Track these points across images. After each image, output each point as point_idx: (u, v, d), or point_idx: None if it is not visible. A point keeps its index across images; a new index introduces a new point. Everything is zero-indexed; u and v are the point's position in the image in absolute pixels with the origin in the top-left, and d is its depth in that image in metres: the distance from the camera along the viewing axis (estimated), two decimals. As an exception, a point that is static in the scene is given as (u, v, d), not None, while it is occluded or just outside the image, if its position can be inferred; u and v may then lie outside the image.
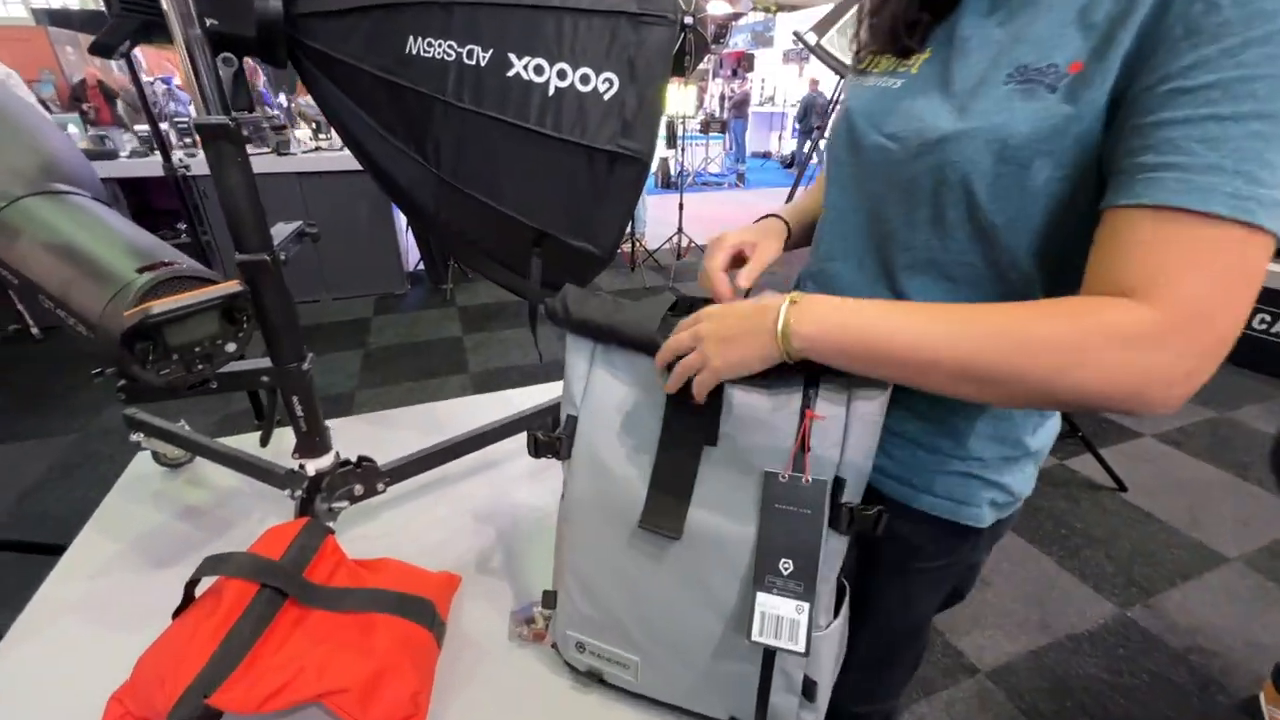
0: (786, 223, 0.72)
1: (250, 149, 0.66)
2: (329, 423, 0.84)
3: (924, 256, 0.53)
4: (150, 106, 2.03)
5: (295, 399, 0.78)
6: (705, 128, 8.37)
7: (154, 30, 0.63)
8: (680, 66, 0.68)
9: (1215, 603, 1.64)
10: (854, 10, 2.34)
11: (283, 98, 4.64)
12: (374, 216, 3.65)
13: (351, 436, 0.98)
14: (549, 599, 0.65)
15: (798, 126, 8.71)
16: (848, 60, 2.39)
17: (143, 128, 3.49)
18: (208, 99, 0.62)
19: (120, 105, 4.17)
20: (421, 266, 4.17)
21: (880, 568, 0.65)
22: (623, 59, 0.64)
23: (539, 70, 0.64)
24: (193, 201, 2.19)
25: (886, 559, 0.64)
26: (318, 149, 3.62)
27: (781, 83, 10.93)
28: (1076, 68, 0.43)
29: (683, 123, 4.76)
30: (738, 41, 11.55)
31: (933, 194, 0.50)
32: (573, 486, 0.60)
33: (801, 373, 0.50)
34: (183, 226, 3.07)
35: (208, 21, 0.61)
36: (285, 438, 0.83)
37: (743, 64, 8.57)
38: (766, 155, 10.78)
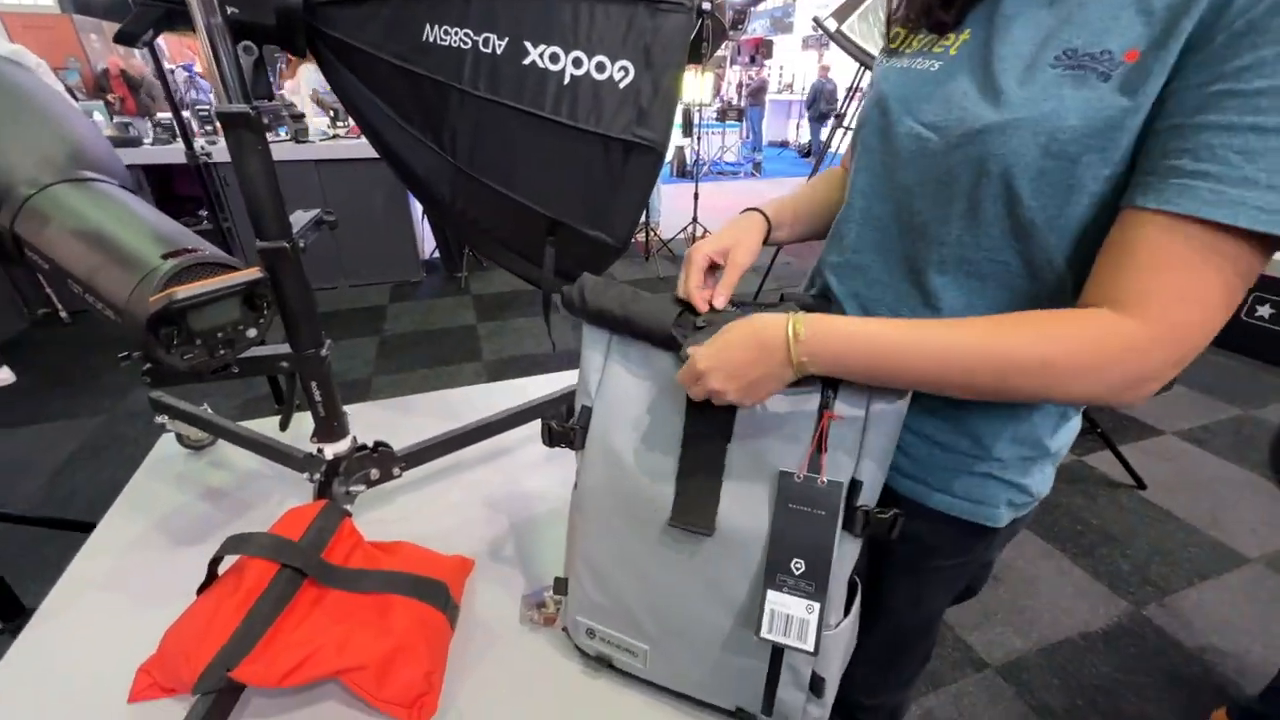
0: (766, 216, 0.67)
1: (269, 136, 0.67)
2: (346, 408, 0.86)
3: (955, 253, 0.51)
4: (173, 94, 2.06)
5: (314, 384, 0.79)
6: (722, 116, 8.27)
7: (176, 18, 0.64)
8: (697, 53, 0.67)
9: (1234, 603, 1.61)
10: (876, -5, 2.29)
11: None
12: (390, 204, 3.68)
13: (368, 422, 1.00)
14: (560, 585, 0.66)
15: (807, 113, 8.65)
16: (869, 47, 2.34)
17: (165, 115, 3.53)
18: (229, 87, 0.63)
19: (141, 93, 4.23)
20: (437, 255, 4.20)
21: (894, 565, 0.65)
22: (639, 46, 0.64)
23: (555, 58, 0.64)
24: (214, 189, 2.22)
25: (900, 557, 0.64)
26: (334, 137, 3.64)
27: (800, 70, 10.74)
28: (1133, 56, 0.40)
29: (699, 111, 4.71)
30: (756, 28, 11.36)
31: (971, 187, 0.47)
32: (586, 477, 0.60)
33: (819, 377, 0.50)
34: (204, 213, 3.12)
35: (228, 9, 0.61)
36: (304, 422, 0.85)
37: (761, 51, 8.44)
38: (784, 144, 10.63)
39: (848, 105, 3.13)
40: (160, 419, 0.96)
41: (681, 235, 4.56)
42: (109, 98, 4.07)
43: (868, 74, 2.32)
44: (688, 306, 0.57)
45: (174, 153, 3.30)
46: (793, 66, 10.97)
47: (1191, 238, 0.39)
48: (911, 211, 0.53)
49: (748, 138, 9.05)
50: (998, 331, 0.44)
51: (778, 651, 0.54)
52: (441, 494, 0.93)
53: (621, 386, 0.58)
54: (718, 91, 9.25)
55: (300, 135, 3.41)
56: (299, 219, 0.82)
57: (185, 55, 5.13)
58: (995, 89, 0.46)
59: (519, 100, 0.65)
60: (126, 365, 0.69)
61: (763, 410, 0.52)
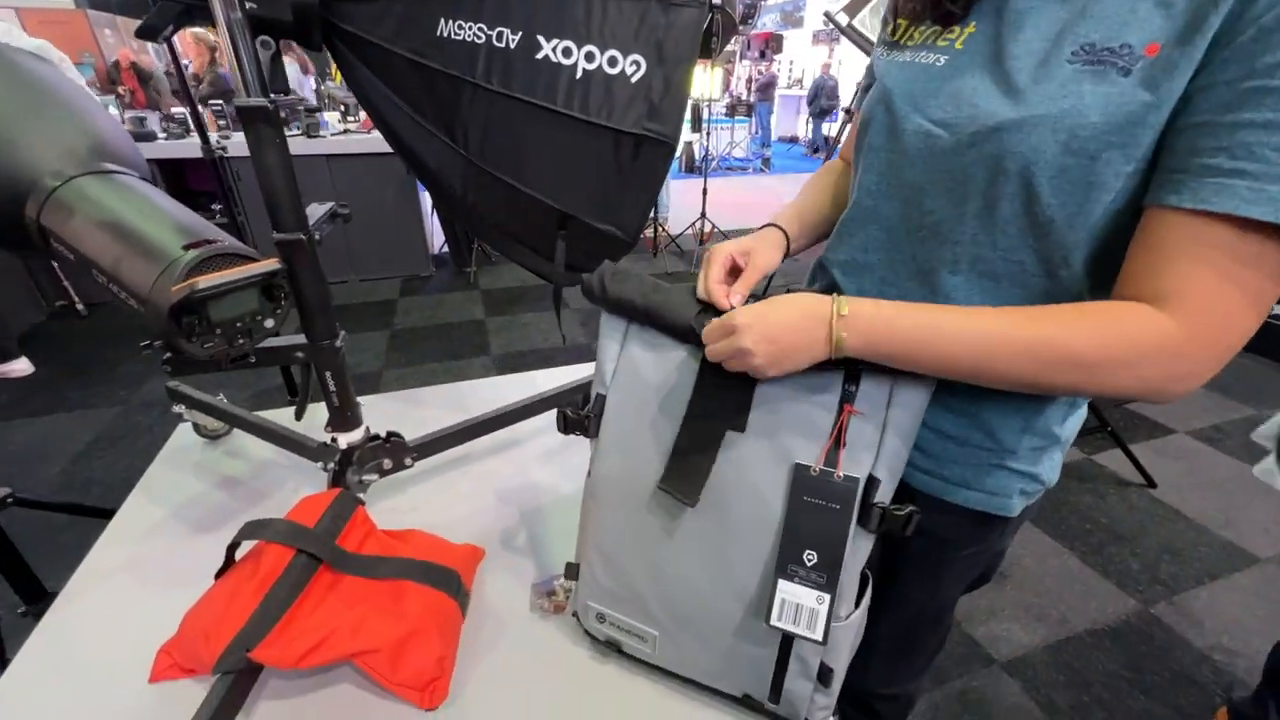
0: (786, 232, 0.67)
1: (283, 130, 0.68)
2: (359, 399, 0.87)
3: (969, 252, 0.50)
4: (189, 88, 2.09)
5: (328, 374, 0.81)
6: (731, 111, 8.23)
7: (197, 13, 0.65)
8: (707, 48, 0.67)
9: (1244, 603, 1.60)
10: (888, -11, 2.27)
11: (312, 80, 4.69)
12: (400, 199, 3.70)
13: (381, 412, 1.01)
14: (571, 570, 0.67)
15: (808, 109, 8.66)
16: (880, 42, 2.32)
17: (179, 109, 3.57)
18: (248, 82, 0.64)
19: (149, 86, 4.27)
20: (446, 249, 4.22)
21: (907, 556, 0.66)
22: (651, 41, 0.64)
23: (567, 53, 0.64)
24: (227, 183, 2.25)
25: (914, 548, 0.64)
26: (346, 131, 3.67)
27: (810, 65, 10.66)
28: (1154, 50, 0.40)
29: (708, 106, 4.69)
30: (766, 22, 11.29)
31: (987, 186, 0.47)
32: (599, 464, 0.61)
33: (842, 367, 0.50)
34: (217, 206, 3.15)
35: (247, 4, 0.62)
36: (317, 413, 0.86)
37: (771, 45, 8.39)
38: (793, 139, 10.56)
39: (860, 100, 3.10)
40: (178, 408, 0.98)
41: (689, 231, 4.55)
42: (119, 90, 4.10)
43: (879, 69, 2.29)
44: (705, 305, 0.57)
45: (187, 147, 3.33)
46: (803, 61, 10.89)
47: (1230, 236, 0.39)
48: (922, 210, 0.52)
49: (756, 133, 9.01)
50: (1038, 320, 0.44)
51: (787, 640, 0.55)
52: (452, 484, 0.94)
53: (636, 375, 0.58)
54: (727, 86, 9.21)
55: (312, 130, 3.43)
56: (314, 211, 0.84)
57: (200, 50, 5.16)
58: (1010, 85, 0.45)
59: (532, 94, 0.65)
60: (147, 354, 0.71)
61: (781, 401, 0.52)
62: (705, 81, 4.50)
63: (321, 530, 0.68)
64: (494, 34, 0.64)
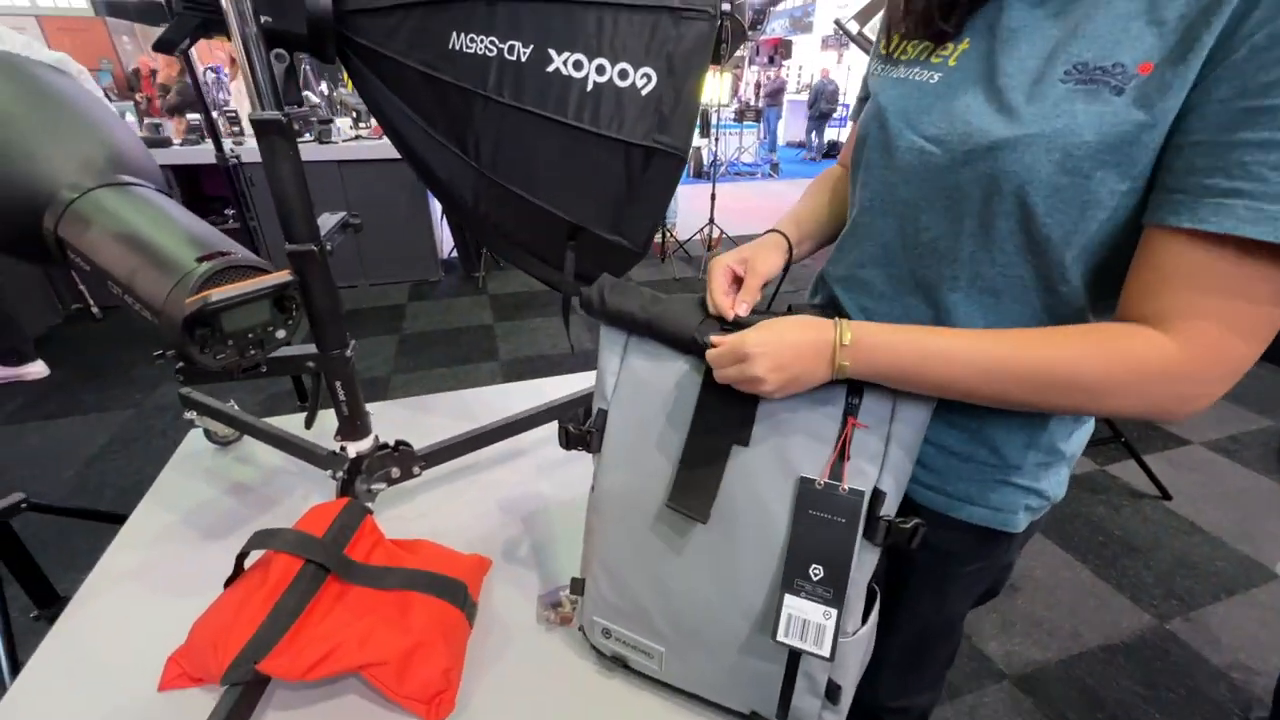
0: (788, 237, 0.67)
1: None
2: (368, 407, 0.88)
3: (968, 270, 0.50)
4: (205, 97, 2.12)
5: (338, 384, 0.81)
6: (740, 116, 8.24)
7: (213, 26, 0.66)
8: (716, 54, 0.67)
9: (1263, 619, 1.57)
10: (898, -4, 2.26)
11: (324, 86, 4.74)
12: (410, 204, 3.72)
13: (388, 421, 1.01)
14: (577, 585, 0.66)
15: (808, 113, 8.80)
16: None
17: (194, 116, 3.62)
18: (262, 94, 0.65)
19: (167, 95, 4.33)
20: (455, 254, 4.24)
21: (914, 571, 0.65)
22: (661, 54, 0.64)
23: (578, 65, 0.64)
24: (240, 189, 2.27)
25: (921, 563, 0.64)
26: (357, 138, 3.70)
27: (820, 70, 10.66)
28: (1147, 69, 0.39)
29: (717, 111, 4.70)
30: (775, 28, 11.30)
31: (982, 204, 0.47)
32: (602, 479, 0.61)
33: (845, 381, 0.50)
34: (230, 212, 3.19)
35: (263, 18, 0.63)
36: (327, 420, 0.86)
37: (780, 51, 8.39)
38: (801, 145, 10.56)
39: (858, 112, 3.09)
40: (189, 415, 0.99)
41: (698, 236, 4.55)
42: (137, 97, 4.18)
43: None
44: (707, 315, 0.57)
45: (201, 153, 3.38)
46: (811, 67, 10.89)
47: (1229, 256, 0.38)
48: (918, 227, 0.52)
49: (765, 138, 9.01)
50: (1039, 345, 0.45)
51: (794, 656, 0.54)
52: (459, 493, 0.94)
53: (638, 389, 0.58)
54: (735, 92, 9.21)
55: (324, 136, 3.47)
56: (325, 222, 0.84)
57: (215, 57, 5.25)
58: (1003, 103, 0.45)
59: (542, 107, 0.66)
60: (161, 364, 0.72)
61: (785, 414, 0.52)
62: (714, 87, 4.51)
63: (330, 540, 0.68)
64: (505, 47, 0.65)
